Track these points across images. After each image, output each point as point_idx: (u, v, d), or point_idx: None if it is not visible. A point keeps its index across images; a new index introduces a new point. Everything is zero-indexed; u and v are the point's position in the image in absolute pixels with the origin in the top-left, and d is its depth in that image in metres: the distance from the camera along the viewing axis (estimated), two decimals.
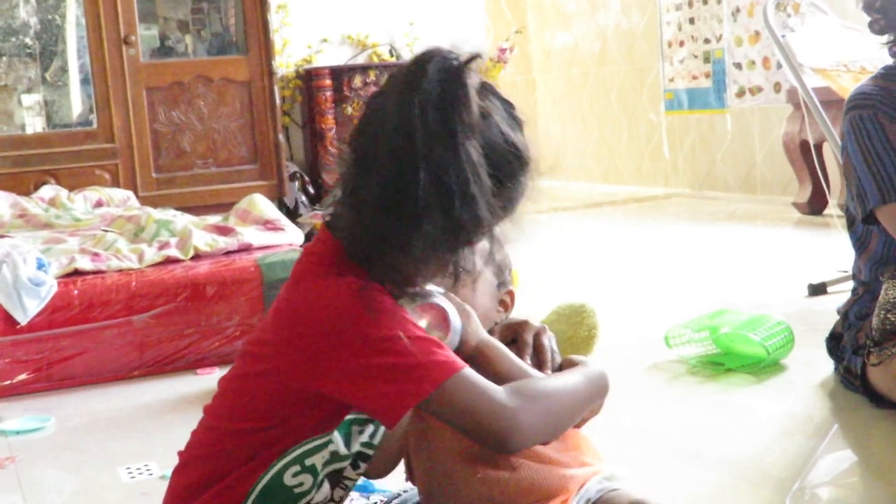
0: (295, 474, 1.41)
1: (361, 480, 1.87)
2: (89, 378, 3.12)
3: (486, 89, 1.45)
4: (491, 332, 1.54)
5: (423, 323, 1.40)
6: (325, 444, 1.42)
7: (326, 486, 1.47)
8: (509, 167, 1.40)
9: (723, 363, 2.82)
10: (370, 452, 1.52)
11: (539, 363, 1.52)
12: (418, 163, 1.30)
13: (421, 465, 1.56)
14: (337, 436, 1.44)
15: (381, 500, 1.76)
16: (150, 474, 2.27)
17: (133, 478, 2.29)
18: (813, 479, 2.07)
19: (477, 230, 1.35)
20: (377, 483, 1.87)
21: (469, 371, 1.33)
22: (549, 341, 1.56)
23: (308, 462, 1.42)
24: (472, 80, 1.36)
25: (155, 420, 2.73)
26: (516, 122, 1.47)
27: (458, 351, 1.40)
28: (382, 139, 1.32)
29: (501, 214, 1.40)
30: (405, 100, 1.31)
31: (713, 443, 2.28)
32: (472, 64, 1.37)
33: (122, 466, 2.35)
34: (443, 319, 1.42)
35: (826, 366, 2.64)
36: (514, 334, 1.55)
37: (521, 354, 1.51)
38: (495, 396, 1.32)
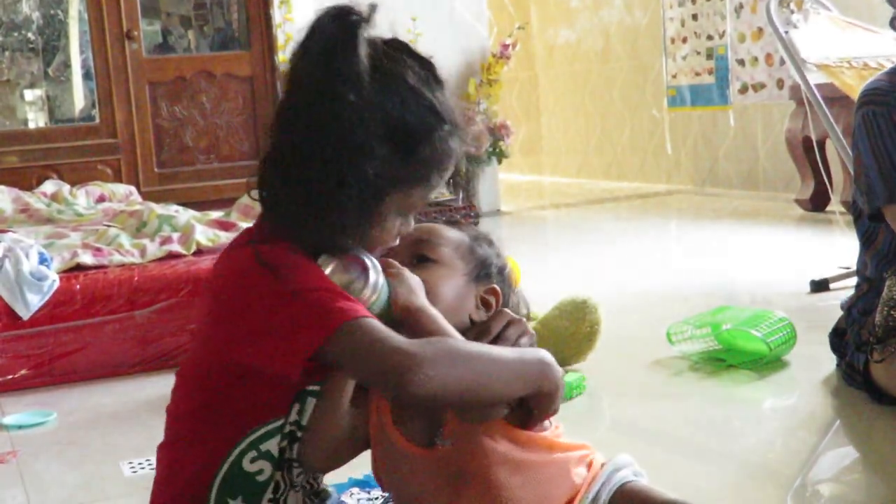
0: (252, 460, 1.41)
1: (362, 476, 1.88)
2: (91, 373, 3.12)
3: (397, 47, 1.41)
4: (466, 329, 1.49)
5: (337, 273, 1.36)
6: (279, 429, 1.41)
7: (286, 475, 1.45)
8: (423, 126, 1.36)
9: (725, 359, 2.82)
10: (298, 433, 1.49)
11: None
12: (300, 114, 1.31)
13: (380, 460, 1.50)
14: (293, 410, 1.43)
15: (382, 496, 1.75)
16: (152, 468, 2.26)
17: (135, 472, 2.29)
18: (815, 474, 2.07)
19: (371, 190, 1.33)
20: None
21: (369, 319, 1.29)
22: (517, 334, 1.48)
23: (263, 447, 1.41)
24: (363, 31, 1.33)
25: (157, 415, 2.72)
26: (436, 82, 1.42)
27: (384, 312, 1.37)
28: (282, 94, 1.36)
29: (412, 176, 1.36)
30: (295, 51, 1.34)
31: (715, 439, 2.28)
32: (367, 17, 1.34)
33: (124, 461, 2.35)
34: (362, 270, 1.37)
35: (828, 362, 2.64)
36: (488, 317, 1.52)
37: (481, 339, 1.45)
38: (396, 341, 1.28)
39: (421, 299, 1.42)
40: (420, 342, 1.29)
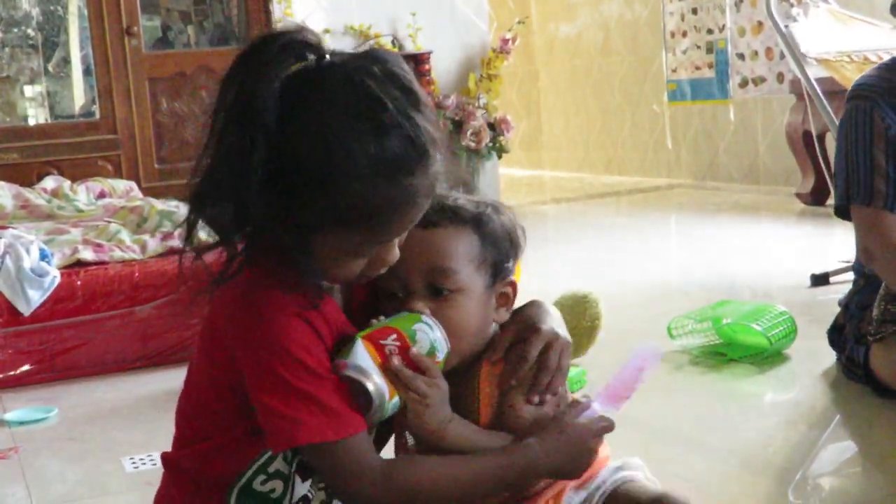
0: (263, 482, 1.39)
1: None
2: (92, 368, 3.12)
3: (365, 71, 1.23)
4: (491, 340, 1.45)
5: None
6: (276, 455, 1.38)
7: (299, 481, 1.42)
8: (321, 169, 1.21)
9: (725, 353, 2.82)
10: None
11: (535, 382, 1.42)
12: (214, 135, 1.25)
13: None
14: None
15: None
16: (154, 464, 2.27)
17: (136, 468, 2.29)
18: (815, 468, 2.07)
19: (279, 230, 1.23)
20: None
21: (337, 445, 1.26)
22: (558, 357, 1.43)
23: (271, 469, 1.39)
24: (283, 62, 1.22)
25: (158, 410, 2.73)
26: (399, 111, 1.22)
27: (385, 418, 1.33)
28: None
29: (330, 219, 1.23)
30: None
31: (716, 432, 2.28)
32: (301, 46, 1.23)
33: (125, 456, 2.35)
34: (365, 399, 1.29)
35: (829, 356, 2.64)
36: (524, 334, 1.44)
37: (518, 367, 1.41)
38: (370, 474, 1.28)
39: (448, 416, 1.35)
40: (384, 477, 1.28)
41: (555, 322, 1.47)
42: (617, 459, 1.53)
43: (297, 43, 1.24)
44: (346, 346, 1.30)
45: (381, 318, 1.35)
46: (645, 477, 1.51)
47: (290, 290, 1.27)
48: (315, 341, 1.28)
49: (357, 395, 1.28)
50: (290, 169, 1.21)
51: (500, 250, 1.44)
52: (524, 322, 1.46)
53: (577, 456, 1.39)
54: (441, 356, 1.34)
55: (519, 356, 1.42)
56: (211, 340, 1.36)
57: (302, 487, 1.44)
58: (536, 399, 1.42)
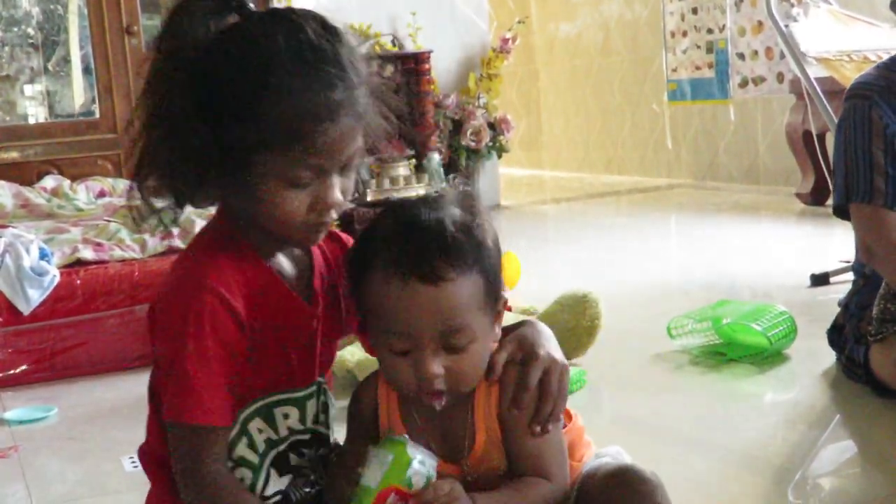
0: (232, 469, 1.40)
1: None
2: (92, 368, 3.12)
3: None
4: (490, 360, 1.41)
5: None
6: (242, 434, 1.40)
7: (275, 476, 1.44)
8: (249, 84, 1.28)
9: (725, 353, 2.82)
10: (324, 431, 1.49)
11: (538, 411, 1.38)
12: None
13: None
14: (256, 423, 1.41)
15: None
16: None
17: (136, 467, 2.28)
18: (815, 468, 2.07)
19: (216, 157, 1.29)
20: None
21: (198, 430, 1.32)
22: (558, 382, 1.40)
23: (235, 455, 1.40)
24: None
25: None
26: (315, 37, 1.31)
27: None
28: None
29: (266, 137, 1.27)
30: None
31: (716, 432, 2.28)
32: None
33: (125, 455, 2.35)
34: None
35: (828, 356, 2.64)
36: (522, 359, 1.41)
37: (520, 396, 1.38)
38: (188, 463, 1.34)
39: None
40: (200, 482, 1.33)
41: (551, 344, 1.44)
42: (594, 449, 1.52)
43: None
44: None
45: (370, 448, 1.34)
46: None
47: (223, 252, 1.34)
48: (220, 318, 1.31)
49: None
50: (215, 98, 1.28)
51: (497, 272, 1.39)
52: (519, 343, 1.43)
53: None
54: (434, 473, 1.33)
55: (519, 383, 1.39)
56: (149, 316, 1.41)
57: (278, 482, 1.44)
58: (538, 429, 1.39)
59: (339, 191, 1.33)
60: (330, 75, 1.29)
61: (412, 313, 1.31)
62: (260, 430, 1.41)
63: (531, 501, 1.37)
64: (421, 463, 1.31)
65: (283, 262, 1.41)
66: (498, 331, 1.41)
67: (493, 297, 1.37)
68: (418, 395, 1.36)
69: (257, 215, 1.33)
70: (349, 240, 1.52)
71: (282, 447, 1.44)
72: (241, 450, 1.40)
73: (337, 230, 1.52)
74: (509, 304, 2.93)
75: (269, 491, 1.43)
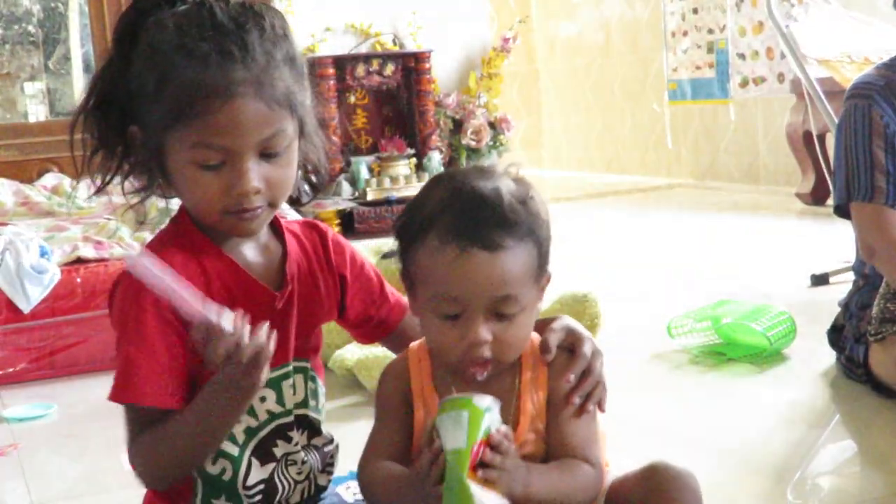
0: (213, 461, 1.41)
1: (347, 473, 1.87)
2: (92, 366, 3.12)
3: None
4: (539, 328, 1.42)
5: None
6: None
7: (257, 465, 1.43)
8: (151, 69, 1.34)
9: (725, 353, 2.82)
10: (314, 416, 1.50)
11: (583, 387, 1.39)
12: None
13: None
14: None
15: None
16: None
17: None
18: (814, 468, 2.07)
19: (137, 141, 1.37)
20: None
21: (141, 410, 1.37)
22: (600, 368, 1.42)
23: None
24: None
25: None
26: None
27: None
28: None
29: (164, 117, 1.32)
30: None
31: (715, 432, 2.28)
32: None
33: (124, 453, 2.35)
34: None
35: (828, 356, 2.64)
36: (570, 345, 1.42)
37: (567, 368, 1.39)
38: (132, 442, 1.39)
39: (526, 478, 1.31)
40: (138, 440, 1.39)
41: (586, 333, 1.45)
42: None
43: None
44: (456, 495, 1.24)
45: (435, 419, 1.31)
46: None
47: (175, 243, 1.38)
48: (164, 306, 1.32)
49: None
50: (127, 85, 1.35)
51: (548, 245, 1.40)
52: (567, 329, 1.43)
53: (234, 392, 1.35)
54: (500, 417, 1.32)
55: (571, 364, 1.40)
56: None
57: (260, 472, 1.44)
58: (580, 402, 1.39)
59: (256, 177, 1.33)
60: (229, 53, 1.30)
61: (466, 278, 1.31)
62: (238, 421, 1.40)
63: (575, 481, 1.36)
64: (490, 410, 1.29)
65: (247, 251, 1.43)
66: (539, 306, 1.41)
67: (542, 270, 1.38)
68: (461, 364, 1.35)
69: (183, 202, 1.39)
70: (327, 229, 1.55)
71: (263, 433, 1.44)
72: (224, 444, 1.41)
73: (314, 220, 1.55)
74: None
75: (251, 481, 1.43)
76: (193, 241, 1.38)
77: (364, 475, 1.42)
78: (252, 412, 1.42)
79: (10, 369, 3.05)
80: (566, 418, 1.39)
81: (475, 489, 1.23)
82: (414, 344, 1.45)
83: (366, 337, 1.61)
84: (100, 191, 1.44)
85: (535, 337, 1.42)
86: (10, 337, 3.05)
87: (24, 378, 3.07)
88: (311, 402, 1.49)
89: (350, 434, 2.32)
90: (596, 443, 1.42)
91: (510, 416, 1.39)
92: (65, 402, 2.85)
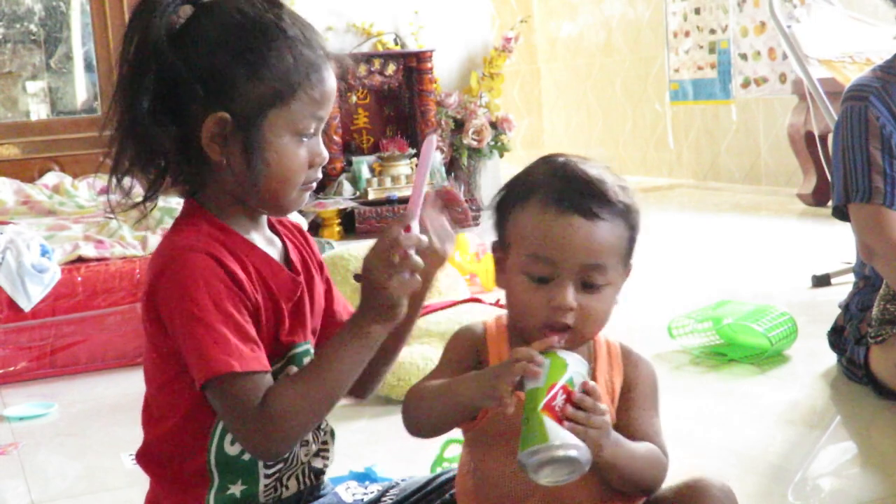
0: (233, 441, 1.40)
1: (363, 469, 1.88)
2: (93, 364, 3.12)
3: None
4: None
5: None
6: None
7: None
8: (248, 46, 1.38)
9: (726, 354, 2.82)
10: None
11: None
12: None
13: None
14: None
15: (378, 490, 1.75)
16: None
17: (136, 464, 2.29)
18: (815, 468, 2.07)
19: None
20: (378, 471, 1.87)
21: (241, 377, 1.30)
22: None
23: None
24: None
25: None
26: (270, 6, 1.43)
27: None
28: None
29: (270, 94, 1.37)
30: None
31: (716, 432, 2.28)
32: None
33: (125, 452, 2.35)
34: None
35: (829, 356, 2.64)
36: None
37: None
38: (249, 413, 1.31)
39: (615, 437, 1.34)
40: (262, 411, 1.31)
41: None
42: None
43: None
44: (530, 427, 1.26)
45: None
46: None
47: (204, 229, 1.38)
48: (222, 277, 1.33)
49: (562, 465, 1.26)
50: (208, 75, 1.36)
51: (636, 239, 1.44)
52: None
53: (376, 305, 1.36)
54: (588, 375, 1.34)
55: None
56: (146, 304, 1.39)
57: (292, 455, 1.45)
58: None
59: (324, 150, 1.44)
60: (313, 32, 1.42)
61: (562, 241, 1.35)
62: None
63: (652, 461, 1.40)
64: (574, 364, 1.31)
65: (260, 241, 1.46)
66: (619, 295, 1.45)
67: (629, 255, 1.42)
68: (542, 328, 1.37)
69: (252, 186, 1.38)
70: (299, 224, 1.61)
71: None
72: None
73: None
74: None
75: (272, 469, 1.44)
76: (223, 232, 1.40)
77: (413, 389, 1.43)
78: None
79: (11, 368, 3.05)
80: (639, 409, 1.45)
81: (549, 422, 1.26)
82: (489, 319, 1.48)
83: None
84: (149, 198, 1.46)
85: (610, 338, 1.48)
86: (11, 336, 3.05)
87: (25, 377, 3.07)
88: None
89: (350, 433, 2.32)
90: (662, 433, 1.46)
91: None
92: (65, 401, 2.85)
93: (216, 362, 1.29)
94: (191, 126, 1.38)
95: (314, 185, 1.45)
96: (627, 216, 1.39)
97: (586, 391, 1.30)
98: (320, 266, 1.56)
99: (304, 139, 1.40)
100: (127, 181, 1.44)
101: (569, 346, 1.37)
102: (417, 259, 1.34)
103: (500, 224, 1.43)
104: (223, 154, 1.38)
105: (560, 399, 1.27)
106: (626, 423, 1.43)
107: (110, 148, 1.43)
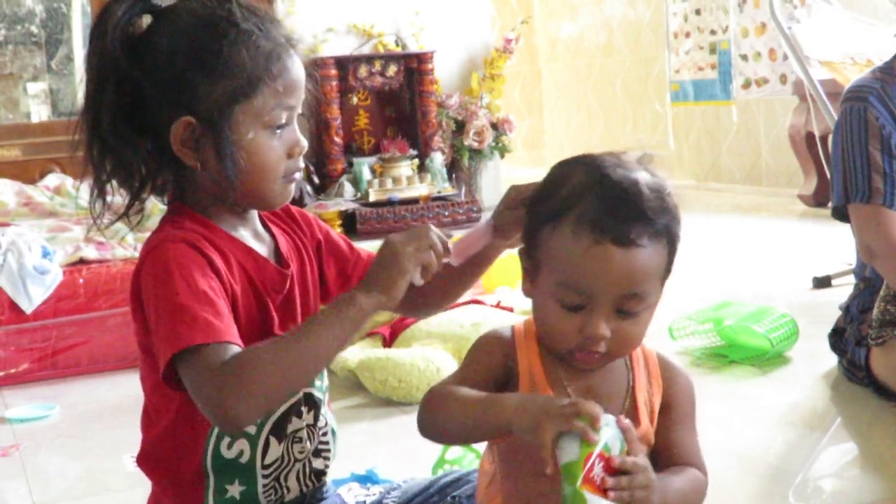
0: (229, 445, 1.41)
1: (365, 471, 1.88)
2: (94, 366, 3.12)
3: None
4: None
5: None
6: None
7: (275, 443, 1.44)
8: (207, 44, 1.37)
9: (727, 355, 2.82)
10: (318, 396, 1.50)
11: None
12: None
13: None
14: None
15: (380, 492, 1.75)
16: None
17: (136, 467, 2.29)
18: (816, 470, 2.07)
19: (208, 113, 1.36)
20: (380, 473, 1.87)
21: (207, 348, 1.26)
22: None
23: None
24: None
25: None
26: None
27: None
28: None
29: (235, 88, 1.36)
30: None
31: (717, 434, 2.28)
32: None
33: (126, 454, 2.35)
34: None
35: (830, 358, 2.64)
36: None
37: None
38: (212, 377, 1.25)
39: (662, 490, 1.28)
40: (222, 370, 1.25)
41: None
42: None
43: (137, 1, 1.40)
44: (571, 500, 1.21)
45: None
46: None
47: (189, 226, 1.39)
48: (197, 261, 1.33)
49: None
50: (170, 77, 1.36)
51: (678, 243, 1.35)
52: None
53: (386, 265, 1.35)
54: (622, 435, 1.27)
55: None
56: (133, 303, 1.40)
57: (277, 449, 1.45)
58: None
59: (304, 140, 1.44)
60: (270, 22, 1.41)
61: (598, 273, 1.27)
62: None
63: (695, 489, 1.39)
64: (608, 426, 1.24)
65: (249, 239, 1.45)
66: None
67: (670, 269, 1.35)
68: (572, 351, 1.32)
69: (230, 184, 1.38)
70: (301, 211, 1.60)
71: (282, 409, 1.45)
72: None
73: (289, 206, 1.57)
74: (510, 304, 2.93)
75: (269, 459, 1.44)
76: (206, 227, 1.41)
77: (436, 392, 1.35)
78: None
79: (13, 370, 3.06)
80: (680, 429, 1.42)
81: (591, 498, 1.20)
82: (518, 325, 1.42)
83: None
84: (130, 208, 1.51)
85: (646, 347, 1.43)
86: (13, 337, 3.05)
87: (26, 379, 3.07)
88: (317, 382, 1.51)
89: (352, 435, 2.32)
90: (700, 449, 1.44)
91: (624, 410, 1.38)
92: (67, 402, 2.85)
93: (181, 338, 1.26)
94: (160, 135, 1.38)
95: (298, 175, 1.44)
96: (667, 231, 1.31)
97: (622, 430, 1.23)
98: (318, 243, 1.56)
99: (277, 131, 1.39)
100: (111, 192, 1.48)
101: (601, 365, 1.34)
102: (440, 249, 1.35)
103: (530, 236, 1.36)
104: (197, 158, 1.38)
105: (598, 468, 1.21)
106: (668, 445, 1.40)
107: (85, 168, 1.46)
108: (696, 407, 1.47)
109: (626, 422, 1.25)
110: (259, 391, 1.25)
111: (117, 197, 1.49)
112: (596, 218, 1.27)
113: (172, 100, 1.36)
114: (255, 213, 1.48)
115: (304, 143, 1.43)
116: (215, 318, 1.29)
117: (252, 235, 1.47)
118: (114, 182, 1.48)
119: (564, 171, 1.36)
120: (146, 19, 1.40)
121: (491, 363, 1.38)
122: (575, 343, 1.31)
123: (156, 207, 1.58)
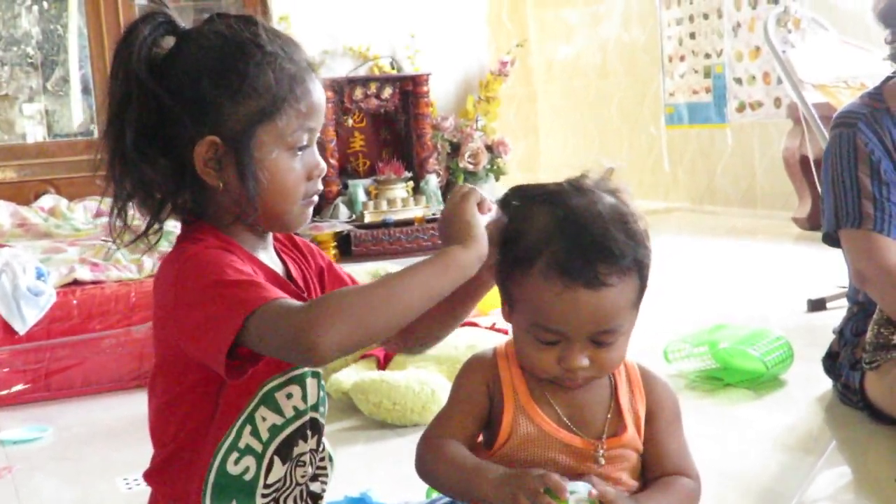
0: (237, 461, 1.41)
1: (359, 494, 1.87)
2: (88, 388, 3.12)
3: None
4: None
5: None
6: (248, 422, 1.41)
7: (278, 463, 1.45)
8: (235, 65, 1.39)
9: (722, 378, 2.82)
10: (322, 421, 1.51)
11: None
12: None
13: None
14: (261, 411, 1.42)
15: None
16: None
17: (130, 488, 2.29)
18: (811, 494, 2.07)
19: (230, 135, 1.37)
20: (374, 496, 1.87)
21: (276, 302, 1.25)
22: None
23: (242, 444, 1.41)
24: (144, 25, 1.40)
25: None
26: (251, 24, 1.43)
27: None
28: None
29: (259, 110, 1.37)
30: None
31: (712, 457, 2.28)
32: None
33: (119, 476, 2.35)
34: None
35: (825, 381, 2.64)
36: None
37: None
38: (289, 314, 1.24)
39: None
40: (307, 304, 1.25)
41: None
42: None
43: (162, 23, 1.41)
44: None
45: None
46: None
47: (214, 245, 1.38)
48: (229, 255, 1.34)
49: None
50: (193, 98, 1.36)
51: (649, 264, 1.43)
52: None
53: (449, 224, 1.36)
54: (589, 489, 1.32)
55: None
56: (156, 319, 1.41)
57: (280, 470, 1.45)
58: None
59: (320, 160, 1.45)
60: (294, 45, 1.43)
61: (570, 315, 1.32)
62: (264, 418, 1.43)
63: (682, 501, 1.42)
64: (576, 493, 1.29)
65: (265, 259, 1.46)
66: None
67: (642, 294, 1.40)
68: (555, 379, 1.38)
69: (251, 205, 1.38)
70: (303, 240, 1.61)
71: (288, 431, 1.45)
72: (247, 438, 1.42)
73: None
74: (505, 326, 2.91)
75: (272, 479, 1.45)
76: (228, 244, 1.41)
77: (430, 446, 1.41)
78: (278, 410, 1.44)
79: (6, 391, 3.05)
80: (667, 436, 1.45)
81: None
82: (499, 346, 1.46)
83: None
84: (150, 227, 1.48)
85: (626, 359, 1.45)
86: (6, 359, 3.05)
87: (20, 400, 3.06)
88: (321, 408, 1.53)
89: (346, 458, 2.32)
90: (690, 454, 1.47)
91: (610, 416, 1.42)
92: (60, 424, 2.84)
93: (247, 302, 1.25)
94: (184, 155, 1.38)
95: (316, 198, 1.46)
96: (636, 263, 1.36)
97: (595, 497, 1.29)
98: (321, 270, 1.57)
99: (298, 152, 1.41)
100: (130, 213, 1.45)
101: (585, 384, 1.39)
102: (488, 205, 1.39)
103: (503, 278, 1.40)
104: (220, 178, 1.38)
105: None
106: (657, 453, 1.44)
107: (106, 186, 1.45)
108: (680, 413, 1.50)
109: (601, 488, 1.30)
110: (345, 327, 1.22)
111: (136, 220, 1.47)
112: (564, 263, 1.32)
113: (196, 119, 1.37)
114: (270, 237, 1.49)
115: (324, 165, 1.45)
116: (265, 285, 1.30)
117: (268, 258, 1.48)
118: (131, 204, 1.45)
119: (528, 213, 1.40)
120: (169, 41, 1.41)
121: (472, 391, 1.43)
122: (555, 373, 1.37)
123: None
